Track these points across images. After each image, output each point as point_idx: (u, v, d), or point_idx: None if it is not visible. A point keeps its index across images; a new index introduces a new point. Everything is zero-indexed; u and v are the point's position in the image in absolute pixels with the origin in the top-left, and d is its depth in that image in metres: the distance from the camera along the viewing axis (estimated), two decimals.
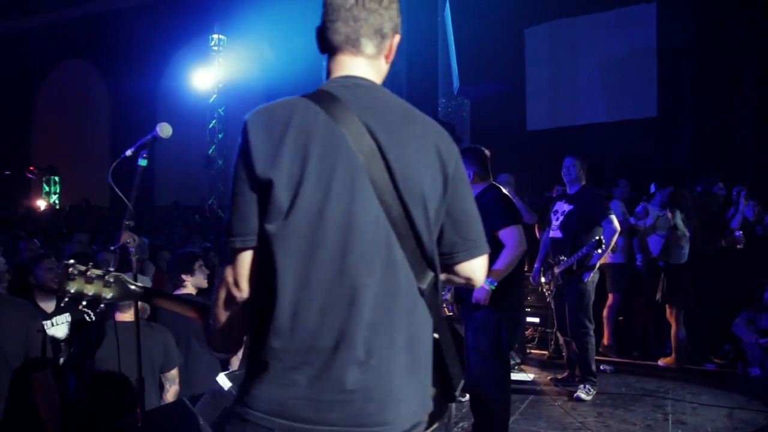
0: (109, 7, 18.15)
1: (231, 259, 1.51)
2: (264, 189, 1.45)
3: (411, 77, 13.16)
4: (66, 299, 1.72)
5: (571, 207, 5.56)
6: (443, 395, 1.76)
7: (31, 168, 20.62)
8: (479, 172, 4.22)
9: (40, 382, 3.06)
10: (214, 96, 16.48)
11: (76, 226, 10.01)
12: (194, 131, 15.43)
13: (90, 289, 1.73)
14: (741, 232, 6.44)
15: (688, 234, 6.48)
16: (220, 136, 16.69)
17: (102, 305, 1.76)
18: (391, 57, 1.72)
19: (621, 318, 7.06)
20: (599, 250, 5.20)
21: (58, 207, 19.41)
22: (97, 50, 19.29)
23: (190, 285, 4.50)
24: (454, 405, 5.06)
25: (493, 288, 3.91)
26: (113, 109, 19.83)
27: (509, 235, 3.97)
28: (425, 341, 1.58)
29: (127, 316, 3.64)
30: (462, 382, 1.79)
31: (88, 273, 1.73)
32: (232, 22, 15.63)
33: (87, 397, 3.59)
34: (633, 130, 10.09)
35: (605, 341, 6.85)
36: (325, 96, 1.55)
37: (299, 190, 1.45)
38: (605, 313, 6.86)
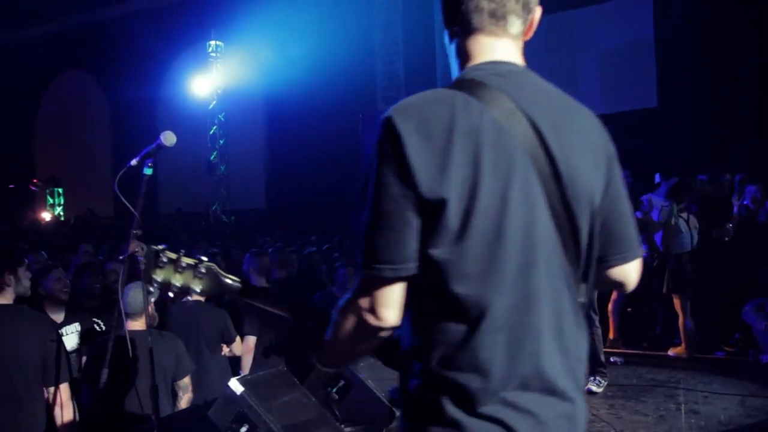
0: (105, 17, 18.18)
1: (369, 285, 1.27)
2: (432, 209, 1.22)
3: (409, 76, 13.19)
4: (154, 291, 1.59)
5: None
6: None
7: (35, 180, 20.67)
8: None
9: (58, 394, 3.08)
10: (214, 102, 16.51)
11: (81, 237, 10.03)
12: (195, 138, 15.45)
13: (178, 280, 1.56)
14: (731, 224, 6.43)
15: (684, 224, 6.46)
16: (221, 142, 16.72)
17: (188, 297, 1.61)
18: (531, 34, 1.46)
19: (629, 309, 7.05)
20: None
21: (62, 219, 19.46)
22: (95, 60, 19.33)
23: None
24: None
25: None
26: (114, 119, 19.88)
27: None
28: (584, 362, 1.39)
29: (137, 324, 3.65)
30: None
31: (180, 261, 1.55)
32: (229, 29, 15.66)
33: (101, 406, 3.60)
34: (633, 121, 10.09)
35: (611, 335, 6.84)
36: (482, 88, 1.30)
37: (473, 207, 1.21)
38: (610, 307, 6.84)
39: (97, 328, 4.53)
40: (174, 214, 16.04)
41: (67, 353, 3.23)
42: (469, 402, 1.24)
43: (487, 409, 1.23)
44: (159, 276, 1.55)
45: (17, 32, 19.31)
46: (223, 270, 1.59)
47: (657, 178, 7.44)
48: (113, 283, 5.09)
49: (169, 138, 2.36)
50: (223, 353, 4.61)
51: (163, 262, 1.54)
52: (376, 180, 1.25)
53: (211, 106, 16.52)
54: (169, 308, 4.85)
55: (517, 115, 1.28)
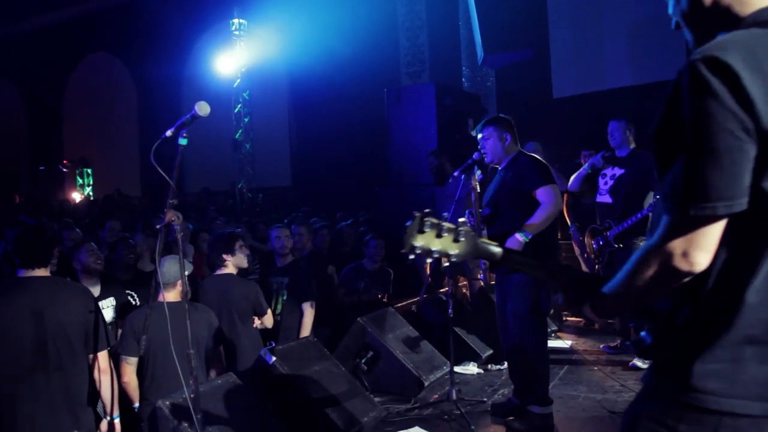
0: None
1: (687, 226, 1.27)
2: None
3: (433, 50, 13.07)
4: (414, 258, 1.56)
5: (622, 171, 5.41)
6: None
7: (64, 161, 21.02)
8: (513, 139, 4.28)
9: (100, 361, 3.19)
10: (238, 80, 16.54)
11: (110, 216, 10.21)
12: (220, 116, 15.52)
13: (437, 245, 1.55)
14: None
15: None
16: (246, 120, 16.78)
17: (445, 264, 1.61)
18: None
19: None
20: None
21: (92, 198, 19.79)
22: (121, 41, 19.46)
23: (231, 265, 4.59)
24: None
25: (527, 240, 3.93)
26: (140, 100, 20.06)
27: (546, 193, 4.02)
28: None
29: (172, 296, 3.74)
30: None
31: (441, 227, 1.55)
32: (252, 6, 15.64)
33: (139, 375, 3.71)
34: (663, 92, 9.90)
35: None
36: None
37: None
38: None
39: (132, 300, 4.65)
40: (200, 193, 16.20)
41: (106, 322, 3.34)
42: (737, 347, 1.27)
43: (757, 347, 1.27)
44: (419, 242, 1.55)
45: (44, 15, 19.50)
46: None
47: None
48: (139, 256, 5.24)
49: (203, 108, 2.40)
50: (254, 325, 4.70)
51: (426, 227, 1.54)
52: (703, 117, 1.22)
53: (235, 84, 16.55)
54: (202, 282, 4.96)
55: None
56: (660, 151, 1.34)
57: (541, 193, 4.03)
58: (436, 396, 4.76)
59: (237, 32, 16.15)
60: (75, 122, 21.86)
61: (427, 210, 1.56)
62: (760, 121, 1.20)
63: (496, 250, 1.60)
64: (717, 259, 1.29)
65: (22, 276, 3.08)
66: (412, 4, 13.39)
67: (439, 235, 1.55)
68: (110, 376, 3.25)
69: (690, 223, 1.26)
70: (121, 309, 4.54)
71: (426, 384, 4.81)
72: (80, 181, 20.91)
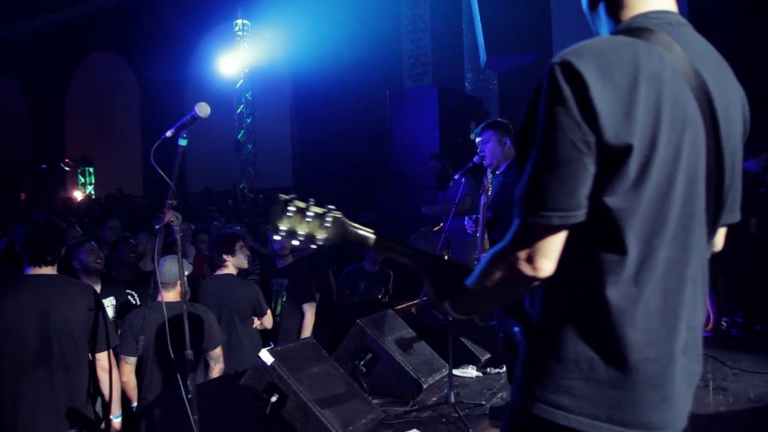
0: None
1: (530, 233, 1.24)
2: (615, 156, 1.19)
3: (436, 53, 13.09)
4: (280, 240, 1.56)
5: None
6: None
7: (66, 160, 21.04)
8: (512, 143, 4.29)
9: (103, 360, 3.20)
10: (241, 81, 16.57)
11: (111, 215, 10.22)
12: (223, 117, 15.54)
13: (303, 228, 1.54)
14: (755, 218, 6.26)
15: None
16: (248, 120, 16.79)
17: (313, 246, 1.57)
18: None
19: None
20: None
21: (94, 197, 19.81)
22: (124, 41, 19.51)
23: (231, 265, 4.60)
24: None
25: None
26: (142, 99, 20.09)
27: None
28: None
29: (171, 296, 3.74)
30: None
31: (307, 210, 1.54)
32: (256, 7, 15.66)
33: (138, 375, 3.72)
34: None
35: None
36: (657, 36, 1.27)
37: (652, 156, 1.20)
38: None
39: (132, 300, 4.65)
40: (201, 193, 16.22)
41: (110, 322, 3.35)
42: (599, 361, 1.25)
43: (626, 361, 1.25)
44: (284, 225, 1.54)
45: (46, 15, 19.53)
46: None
47: None
48: (142, 255, 5.23)
49: (203, 109, 2.40)
50: (254, 326, 4.70)
51: (290, 211, 1.53)
52: (550, 125, 1.20)
53: (238, 84, 16.57)
54: (202, 282, 4.96)
55: (689, 66, 1.27)
56: (520, 152, 1.30)
57: None
58: (434, 399, 4.75)
59: (240, 33, 16.17)
60: (77, 121, 21.89)
61: (291, 195, 1.56)
62: (602, 135, 1.17)
63: (367, 234, 1.58)
64: (568, 269, 1.27)
65: (29, 273, 3.08)
66: (415, 7, 13.41)
67: (305, 219, 1.54)
68: (112, 375, 3.26)
69: (532, 229, 1.24)
70: (121, 308, 4.54)
71: (425, 387, 4.81)
72: (82, 179, 20.92)
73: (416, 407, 4.60)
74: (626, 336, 1.23)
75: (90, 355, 3.19)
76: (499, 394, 4.87)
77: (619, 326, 1.23)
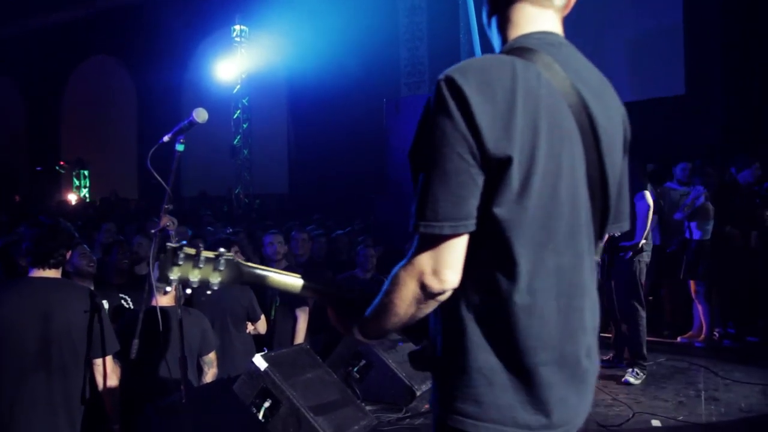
0: (132, 2, 18.32)
1: (430, 244, 1.27)
2: (497, 167, 1.24)
3: (433, 61, 13.13)
4: (166, 286, 1.54)
5: None
6: None
7: (61, 163, 21.00)
8: None
9: (102, 366, 3.17)
10: (238, 86, 16.59)
11: (106, 218, 10.20)
12: (219, 122, 15.56)
13: (196, 275, 1.51)
14: (756, 232, 6.29)
15: (711, 209, 6.38)
16: (244, 126, 16.81)
17: (208, 291, 1.56)
18: (567, 12, 1.53)
19: (650, 297, 7.02)
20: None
21: (88, 200, 19.77)
22: (122, 45, 19.54)
23: None
24: None
25: None
26: (139, 103, 20.10)
27: None
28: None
29: (166, 300, 3.74)
30: None
31: (199, 257, 1.51)
32: (254, 13, 15.71)
33: (132, 378, 3.70)
34: (661, 109, 9.97)
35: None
36: (537, 55, 1.35)
37: (533, 168, 1.26)
38: None
39: (125, 304, 4.64)
40: (197, 197, 16.21)
41: (110, 326, 3.32)
42: (501, 368, 1.31)
43: (523, 364, 1.31)
44: (174, 274, 1.50)
45: (45, 17, 19.55)
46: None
47: (678, 169, 7.30)
48: (141, 258, 5.21)
49: (201, 114, 2.41)
50: (247, 331, 4.70)
51: (180, 259, 1.49)
52: (438, 138, 1.25)
53: (235, 90, 16.60)
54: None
55: (567, 83, 1.35)
56: (413, 167, 1.34)
57: None
58: (427, 406, 4.75)
59: (238, 39, 16.22)
60: (73, 123, 21.89)
61: (183, 242, 1.52)
62: (485, 147, 1.23)
63: (265, 273, 1.60)
64: (466, 281, 1.30)
65: (32, 276, 3.07)
66: (413, 15, 13.46)
67: (196, 266, 1.51)
68: (114, 381, 3.22)
69: (427, 241, 1.27)
70: (114, 312, 4.52)
71: (418, 394, 4.80)
72: (77, 182, 20.90)
73: (409, 414, 4.59)
74: (523, 342, 1.29)
75: (90, 360, 3.15)
76: None
77: (515, 333, 1.29)
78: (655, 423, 4.39)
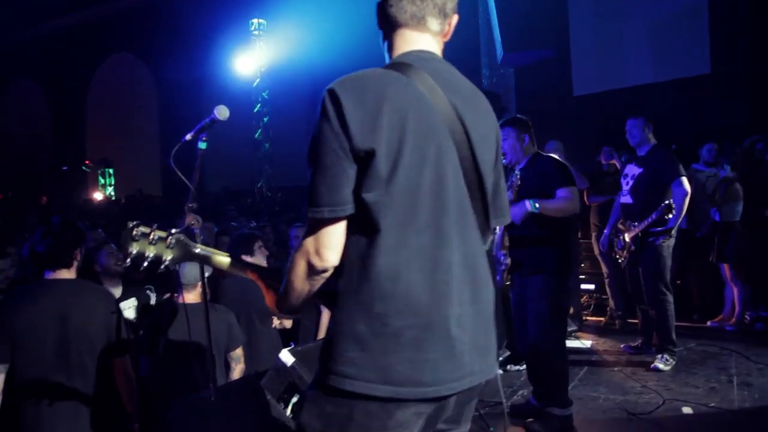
0: (151, 0, 18.43)
1: (313, 228, 1.53)
2: (364, 158, 1.49)
3: (453, 49, 12.98)
4: (130, 262, 1.78)
5: (641, 170, 5.35)
6: None
7: (87, 162, 21.27)
8: (531, 140, 4.25)
9: (120, 365, 3.18)
10: (258, 80, 16.64)
11: (132, 216, 10.32)
12: (240, 116, 15.62)
13: (151, 251, 1.77)
14: None
15: (740, 190, 6.26)
16: (265, 119, 16.87)
17: (162, 267, 1.80)
18: (449, 37, 1.80)
19: (679, 282, 6.92)
20: (670, 215, 4.97)
21: (114, 198, 20.01)
22: (142, 42, 19.66)
23: None
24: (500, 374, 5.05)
25: (534, 210, 3.96)
26: (161, 99, 20.24)
27: (567, 192, 3.98)
28: (493, 297, 1.72)
29: (191, 296, 3.77)
30: (499, 348, 1.90)
31: (151, 235, 1.77)
32: (271, 6, 15.70)
33: (159, 376, 3.74)
34: (685, 89, 9.80)
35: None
36: (409, 68, 1.61)
37: (399, 160, 1.50)
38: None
39: (150, 294, 4.68)
40: (220, 192, 16.32)
41: (127, 326, 3.34)
42: (372, 331, 1.50)
43: (391, 327, 1.50)
44: (134, 248, 1.75)
45: (66, 17, 19.77)
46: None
47: (705, 150, 7.16)
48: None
49: (222, 112, 2.41)
50: (273, 325, 4.72)
51: (137, 236, 1.76)
52: (319, 138, 1.51)
53: (255, 84, 16.65)
54: (222, 282, 4.99)
55: (438, 92, 1.60)
56: (308, 164, 1.56)
57: (561, 194, 4.01)
58: None
59: (256, 32, 16.25)
60: (97, 122, 22.12)
61: (135, 222, 1.78)
62: (353, 142, 1.47)
63: (205, 253, 1.87)
64: (344, 257, 1.55)
65: (48, 278, 3.11)
66: None
67: (151, 243, 1.77)
68: (131, 381, 3.24)
69: (314, 224, 1.53)
70: (143, 309, 4.58)
71: None
72: (102, 181, 21.16)
73: None
74: (390, 306, 1.49)
75: (109, 360, 3.17)
76: (520, 392, 4.85)
77: (384, 299, 1.49)
78: (687, 410, 4.34)
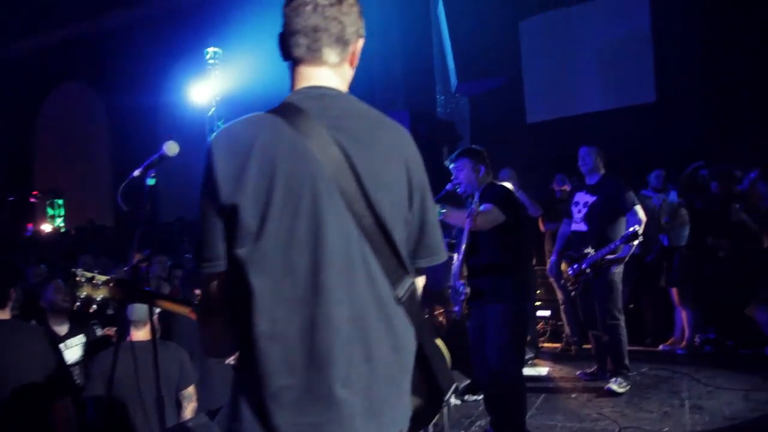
0: (103, 27, 18.20)
1: (203, 281, 1.54)
2: (230, 214, 1.42)
3: (407, 78, 13.18)
4: (80, 305, 1.93)
5: (594, 198, 5.44)
6: (431, 402, 1.75)
7: (34, 192, 20.70)
8: (488, 169, 4.31)
9: (61, 408, 3.05)
10: (213, 109, 16.53)
11: (82, 248, 10.02)
12: (195, 145, 15.35)
13: (98, 293, 1.93)
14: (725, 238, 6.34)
15: (686, 215, 6.44)
16: None
17: (110, 309, 1.96)
18: (356, 62, 1.70)
19: (631, 306, 7.03)
20: (634, 243, 5.06)
21: (63, 230, 19.48)
22: (93, 70, 19.37)
23: None
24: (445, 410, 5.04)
25: (438, 215, 3.93)
26: (113, 128, 19.91)
27: (487, 206, 4.04)
28: (408, 349, 1.59)
29: (141, 335, 3.66)
30: (453, 387, 1.78)
31: (94, 280, 1.93)
32: (227, 35, 15.68)
33: (106, 420, 3.61)
34: (632, 117, 10.08)
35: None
36: (291, 109, 1.51)
37: (267, 212, 1.41)
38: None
39: (97, 330, 4.53)
40: (174, 223, 16.04)
41: (67, 367, 3.21)
42: (255, 390, 1.43)
43: (270, 389, 1.42)
44: (81, 293, 1.92)
45: (15, 43, 19.35)
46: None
47: (653, 176, 7.37)
48: None
49: (171, 148, 2.38)
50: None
51: (81, 282, 1.91)
52: (201, 190, 1.47)
53: (210, 112, 16.53)
54: (174, 318, 4.87)
55: (323, 136, 1.48)
56: None
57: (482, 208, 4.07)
58: None
59: (212, 61, 16.17)
60: (46, 152, 21.59)
61: (78, 269, 1.96)
62: (219, 197, 1.42)
63: (149, 296, 2.08)
64: (235, 317, 1.48)
65: None
66: (386, 32, 13.50)
67: (96, 287, 1.94)
68: (72, 426, 3.10)
69: (201, 277, 1.53)
70: (91, 346, 4.43)
71: None
72: (51, 211, 20.60)
73: None
74: (267, 365, 1.42)
75: (47, 404, 3.04)
76: (477, 422, 4.84)
77: (260, 357, 1.42)
78: None
